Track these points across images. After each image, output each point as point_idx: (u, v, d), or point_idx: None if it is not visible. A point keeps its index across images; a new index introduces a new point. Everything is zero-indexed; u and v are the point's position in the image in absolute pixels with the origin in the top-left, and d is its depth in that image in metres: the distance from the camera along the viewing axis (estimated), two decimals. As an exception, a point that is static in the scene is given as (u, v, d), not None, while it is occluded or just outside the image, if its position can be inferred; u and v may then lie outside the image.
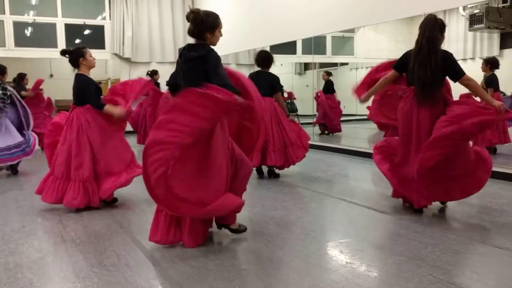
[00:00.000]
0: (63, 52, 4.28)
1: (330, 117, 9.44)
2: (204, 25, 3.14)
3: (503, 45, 6.79)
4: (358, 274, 2.66)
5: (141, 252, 3.11)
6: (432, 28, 3.68)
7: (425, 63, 3.66)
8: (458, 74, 3.68)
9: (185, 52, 3.18)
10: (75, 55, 4.23)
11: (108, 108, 4.17)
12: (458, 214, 3.95)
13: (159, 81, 8.94)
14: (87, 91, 4.19)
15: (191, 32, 3.20)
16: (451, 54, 3.74)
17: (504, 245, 3.09)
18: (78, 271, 2.79)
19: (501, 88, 5.96)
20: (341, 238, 3.35)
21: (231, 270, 2.75)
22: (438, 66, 3.64)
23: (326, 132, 9.62)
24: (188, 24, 3.21)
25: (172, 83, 3.50)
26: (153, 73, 8.98)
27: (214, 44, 3.23)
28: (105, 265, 2.87)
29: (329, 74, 9.67)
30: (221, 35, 3.25)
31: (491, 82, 5.87)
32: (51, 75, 15.18)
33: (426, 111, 3.71)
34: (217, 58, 3.10)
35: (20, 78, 8.48)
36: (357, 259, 2.91)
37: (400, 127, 3.91)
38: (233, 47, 9.62)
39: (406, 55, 3.85)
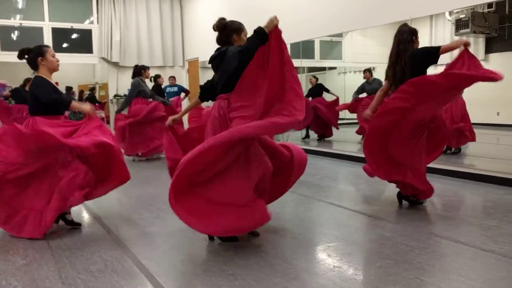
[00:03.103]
0: (20, 54, 3.69)
1: (327, 119, 9.21)
2: (230, 27, 3.35)
3: (488, 50, 6.88)
4: (346, 278, 2.67)
5: (128, 258, 3.09)
6: (402, 33, 4.05)
7: (395, 63, 4.03)
8: (435, 51, 3.90)
9: (211, 56, 3.39)
10: (34, 55, 3.63)
11: (75, 104, 3.67)
12: (444, 218, 3.98)
13: (162, 85, 8.94)
14: (40, 90, 3.53)
15: (219, 40, 3.40)
16: (418, 49, 4.06)
17: (490, 247, 3.12)
18: (64, 277, 2.76)
19: (483, 92, 6.12)
20: (329, 242, 3.35)
21: (218, 275, 2.74)
22: (407, 65, 3.95)
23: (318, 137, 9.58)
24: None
25: (203, 87, 3.61)
26: (157, 77, 8.94)
27: None
28: (92, 272, 2.84)
29: (316, 78, 9.68)
30: (243, 41, 3.38)
31: None
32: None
33: None
34: (234, 50, 3.20)
35: (27, 81, 8.57)
36: (344, 263, 2.92)
37: None
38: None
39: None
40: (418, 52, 4.02)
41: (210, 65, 3.46)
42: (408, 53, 3.99)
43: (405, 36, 4.02)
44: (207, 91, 3.50)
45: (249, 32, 3.32)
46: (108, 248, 3.29)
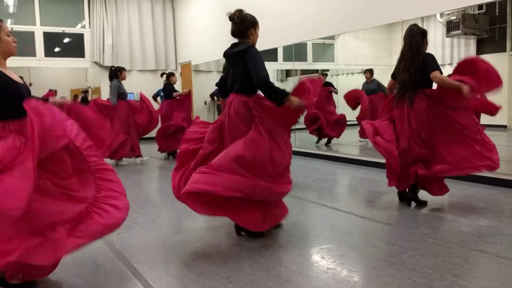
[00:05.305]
0: None
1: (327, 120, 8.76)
2: (248, 20, 3.37)
3: (479, 51, 6.92)
4: (340, 280, 2.67)
5: (120, 262, 3.07)
6: (414, 34, 4.02)
7: (409, 67, 3.99)
8: (428, 68, 3.95)
9: (228, 50, 3.43)
10: None
11: None
12: (436, 219, 4.00)
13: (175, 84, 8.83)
14: None
15: (236, 31, 3.42)
16: (430, 55, 4.06)
17: (482, 247, 3.14)
18: (57, 283, 2.75)
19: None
20: (322, 244, 3.36)
21: (212, 278, 2.74)
22: (419, 68, 3.96)
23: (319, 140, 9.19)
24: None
25: (219, 84, 3.75)
26: (170, 75, 8.61)
27: (255, 43, 3.44)
28: (85, 277, 2.83)
29: (325, 75, 9.27)
30: (257, 36, 3.49)
31: None
32: (30, 84, 14.98)
33: (402, 110, 4.08)
34: (256, 52, 3.27)
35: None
36: (338, 265, 2.92)
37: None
38: (216, 54, 9.61)
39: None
40: (425, 60, 3.99)
41: (224, 58, 3.56)
42: (421, 55, 3.99)
43: (417, 38, 4.01)
44: (226, 87, 3.54)
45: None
46: (101, 252, 3.27)
